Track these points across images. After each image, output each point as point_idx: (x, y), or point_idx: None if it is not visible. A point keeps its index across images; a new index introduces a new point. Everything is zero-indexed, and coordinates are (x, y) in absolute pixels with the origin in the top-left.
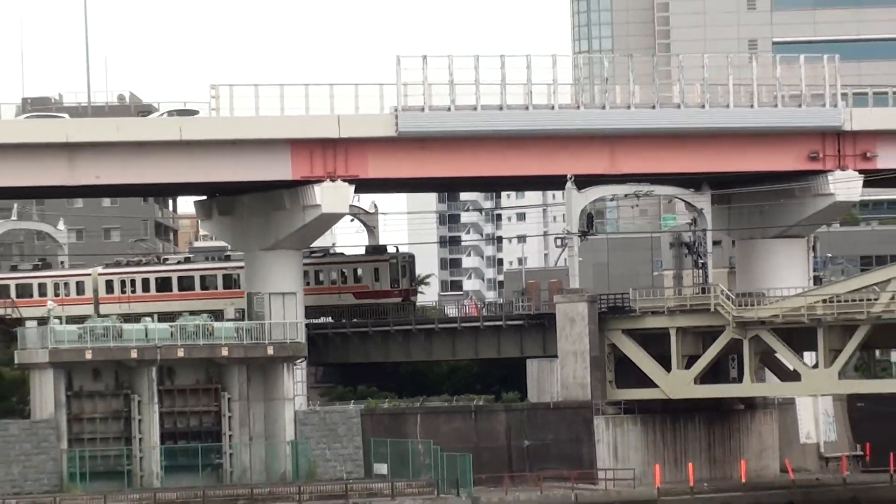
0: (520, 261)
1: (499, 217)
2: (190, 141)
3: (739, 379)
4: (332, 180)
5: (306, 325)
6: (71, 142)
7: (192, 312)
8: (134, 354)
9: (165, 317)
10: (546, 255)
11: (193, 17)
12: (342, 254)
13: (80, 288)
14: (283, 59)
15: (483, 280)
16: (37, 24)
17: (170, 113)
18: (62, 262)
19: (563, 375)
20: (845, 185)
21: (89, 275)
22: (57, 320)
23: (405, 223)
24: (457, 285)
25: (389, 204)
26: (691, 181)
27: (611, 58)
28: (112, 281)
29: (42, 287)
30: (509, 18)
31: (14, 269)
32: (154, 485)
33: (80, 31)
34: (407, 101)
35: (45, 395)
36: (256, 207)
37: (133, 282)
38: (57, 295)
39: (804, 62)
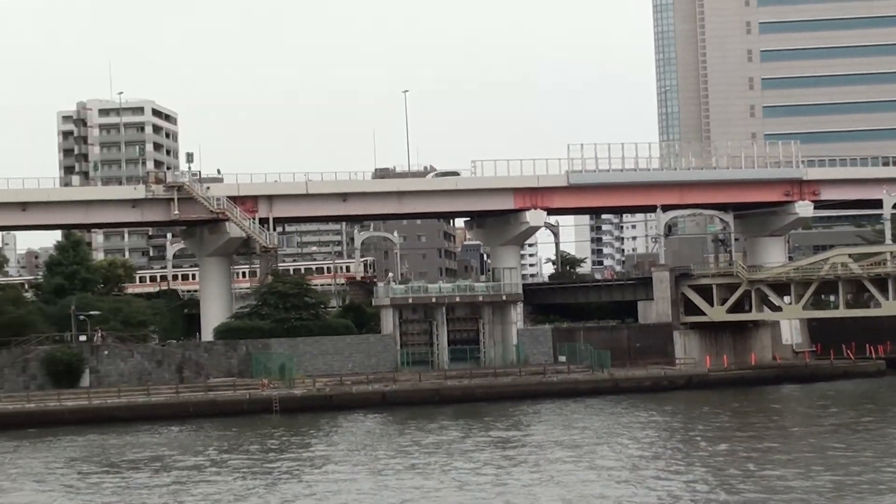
0: (633, 249)
1: (622, 227)
2: (461, 189)
3: (750, 310)
4: (535, 209)
5: (524, 283)
6: (402, 190)
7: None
8: (434, 300)
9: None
10: (647, 246)
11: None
12: None
13: None
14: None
15: (614, 259)
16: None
17: (445, 173)
18: (396, 253)
19: (657, 309)
20: (804, 209)
21: None
22: (393, 283)
23: (573, 231)
24: (599, 262)
25: (564, 221)
26: (722, 207)
27: (678, 142)
28: None
29: None
30: (607, 111)
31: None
32: (444, 367)
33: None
34: (573, 164)
35: (388, 321)
36: (496, 224)
37: None
38: None
39: (781, 145)
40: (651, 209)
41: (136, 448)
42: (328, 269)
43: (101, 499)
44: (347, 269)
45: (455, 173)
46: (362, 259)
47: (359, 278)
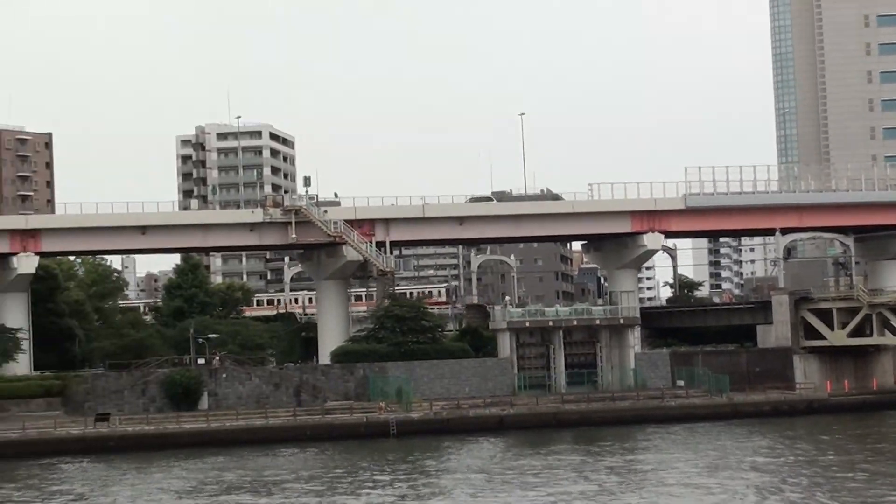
0: (752, 272)
1: (740, 250)
2: (578, 213)
3: (871, 334)
4: (652, 232)
5: (641, 307)
6: (519, 213)
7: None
8: (551, 323)
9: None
10: (766, 269)
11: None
12: None
13: None
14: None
15: (732, 283)
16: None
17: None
18: (513, 276)
19: (776, 333)
20: None
21: None
22: (510, 306)
23: (690, 254)
24: (717, 285)
25: (681, 244)
26: (842, 230)
27: (797, 164)
28: None
29: None
30: (724, 133)
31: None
32: (561, 391)
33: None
34: (690, 187)
35: (504, 344)
36: (613, 247)
37: None
38: None
39: None
40: (770, 232)
41: (251, 471)
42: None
43: None
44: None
45: (558, 196)
46: (443, 285)
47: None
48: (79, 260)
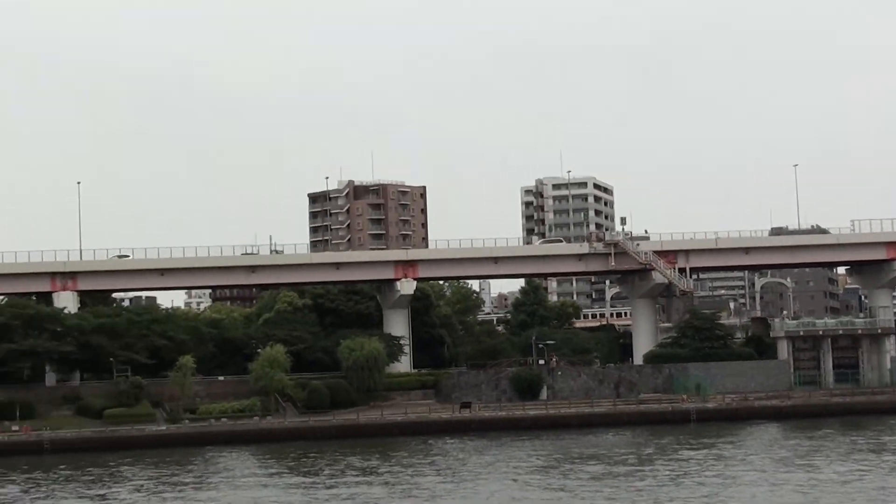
0: None
1: None
2: (842, 244)
3: None
4: None
5: None
6: (794, 245)
7: None
8: (820, 332)
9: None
10: None
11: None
12: None
13: None
14: None
15: None
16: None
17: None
18: (789, 295)
19: None
20: None
21: None
22: (787, 319)
23: None
24: None
25: None
26: None
27: None
28: None
29: None
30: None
31: None
32: (829, 387)
33: None
34: None
35: (783, 349)
36: (871, 271)
37: None
38: None
39: None
40: None
41: (585, 446)
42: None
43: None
44: None
45: (825, 231)
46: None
47: None
48: (446, 284)
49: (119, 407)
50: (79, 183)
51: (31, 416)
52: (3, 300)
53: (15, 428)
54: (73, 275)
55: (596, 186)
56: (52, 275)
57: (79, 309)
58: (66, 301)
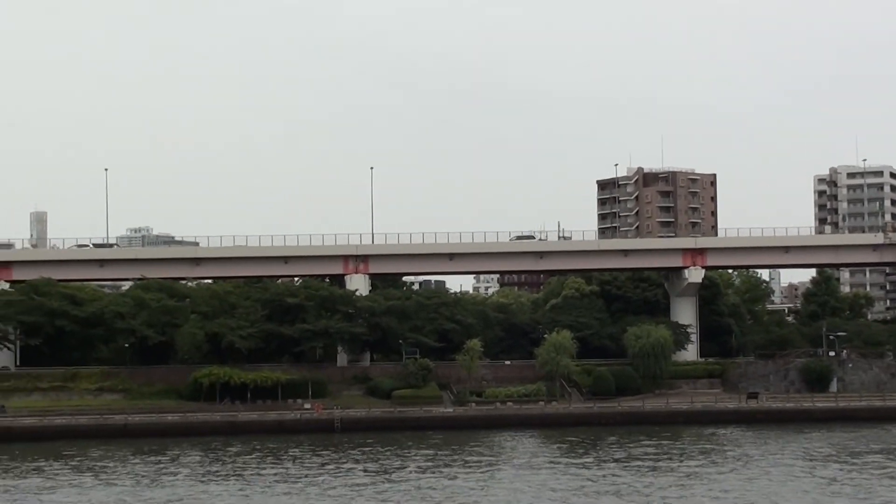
0: None
1: None
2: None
3: None
4: None
5: None
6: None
7: None
8: None
9: None
10: None
11: None
12: None
13: None
14: None
15: None
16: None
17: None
18: None
19: None
20: None
21: None
22: None
23: None
24: None
25: None
26: None
27: None
28: None
29: None
30: None
31: None
32: None
33: None
34: None
35: None
36: None
37: None
38: None
39: None
40: None
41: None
42: None
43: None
44: None
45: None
46: None
47: None
48: (735, 272)
49: (407, 388)
50: (371, 168)
51: (322, 395)
52: (298, 282)
53: (307, 406)
54: (364, 258)
55: (892, 175)
56: (345, 258)
57: (370, 291)
58: (358, 283)
